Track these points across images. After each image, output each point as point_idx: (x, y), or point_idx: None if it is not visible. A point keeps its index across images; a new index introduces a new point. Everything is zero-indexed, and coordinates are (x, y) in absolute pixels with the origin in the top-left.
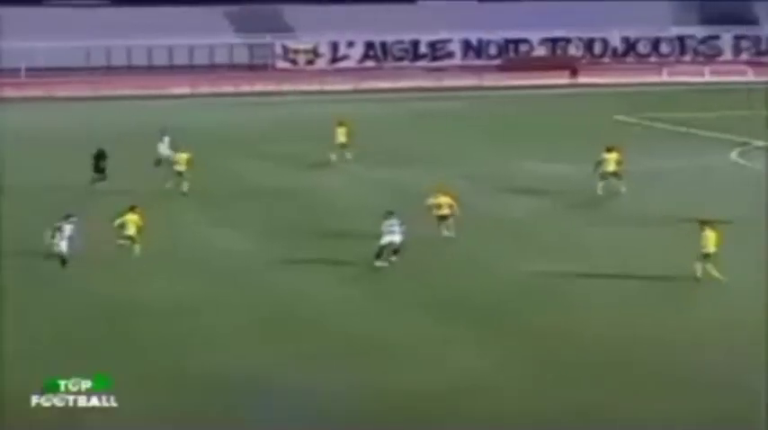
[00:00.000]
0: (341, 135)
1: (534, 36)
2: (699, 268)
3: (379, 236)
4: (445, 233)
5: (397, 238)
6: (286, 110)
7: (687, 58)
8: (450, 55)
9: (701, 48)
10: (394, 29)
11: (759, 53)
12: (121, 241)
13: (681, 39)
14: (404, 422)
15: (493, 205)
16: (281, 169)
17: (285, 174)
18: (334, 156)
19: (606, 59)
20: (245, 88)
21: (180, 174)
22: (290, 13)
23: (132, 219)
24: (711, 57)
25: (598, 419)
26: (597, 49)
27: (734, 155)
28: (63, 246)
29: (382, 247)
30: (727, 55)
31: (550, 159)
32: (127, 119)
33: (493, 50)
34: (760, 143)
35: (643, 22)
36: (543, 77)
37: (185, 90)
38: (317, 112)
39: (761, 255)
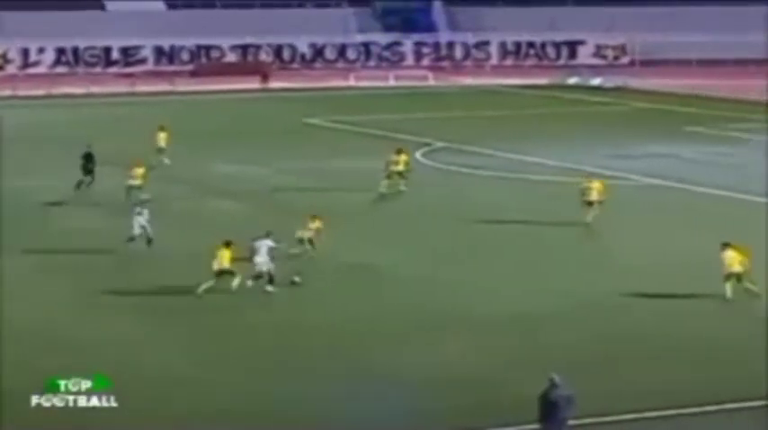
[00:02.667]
0: (161, 140)
1: (225, 42)
2: (728, 288)
3: None
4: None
5: (264, 267)
6: None
7: (372, 63)
8: (142, 61)
9: (386, 54)
10: (85, 35)
11: (438, 59)
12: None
13: (366, 45)
14: None
15: (190, 206)
16: None
17: None
18: (165, 160)
19: (295, 65)
20: None
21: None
22: None
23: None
24: (395, 62)
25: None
26: (286, 55)
27: (418, 155)
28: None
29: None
30: (410, 60)
31: (242, 161)
32: None
33: (185, 56)
34: (441, 144)
35: (330, 29)
36: (235, 82)
37: None
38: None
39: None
